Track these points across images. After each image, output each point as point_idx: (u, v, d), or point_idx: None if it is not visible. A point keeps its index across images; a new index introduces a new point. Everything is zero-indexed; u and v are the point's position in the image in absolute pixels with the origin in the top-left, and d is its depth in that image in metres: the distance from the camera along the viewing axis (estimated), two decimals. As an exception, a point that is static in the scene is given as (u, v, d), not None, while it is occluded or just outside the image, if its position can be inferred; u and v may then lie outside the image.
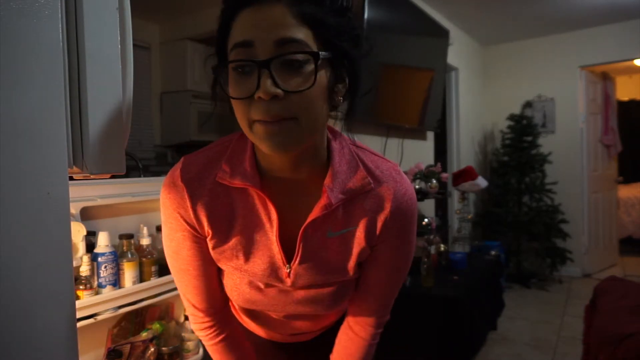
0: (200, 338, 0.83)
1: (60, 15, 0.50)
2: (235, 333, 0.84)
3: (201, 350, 1.45)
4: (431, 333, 2.36)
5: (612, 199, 4.79)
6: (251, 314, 0.86)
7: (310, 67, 0.56)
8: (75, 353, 0.50)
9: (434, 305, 2.39)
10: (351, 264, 0.72)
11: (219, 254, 0.72)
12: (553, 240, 4.09)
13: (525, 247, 4.20)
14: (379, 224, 0.70)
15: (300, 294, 0.74)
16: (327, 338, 0.90)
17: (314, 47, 0.57)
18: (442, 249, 2.97)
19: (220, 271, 0.78)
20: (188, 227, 0.70)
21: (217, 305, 0.79)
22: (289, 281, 0.72)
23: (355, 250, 0.71)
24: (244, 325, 0.92)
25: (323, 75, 0.59)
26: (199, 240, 0.72)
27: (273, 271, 0.71)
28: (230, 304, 0.88)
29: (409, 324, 2.43)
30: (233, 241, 0.70)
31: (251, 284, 0.74)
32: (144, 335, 1.34)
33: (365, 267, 0.76)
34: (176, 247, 0.73)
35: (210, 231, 0.70)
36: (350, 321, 0.83)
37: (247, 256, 0.71)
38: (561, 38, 4.32)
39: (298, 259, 0.70)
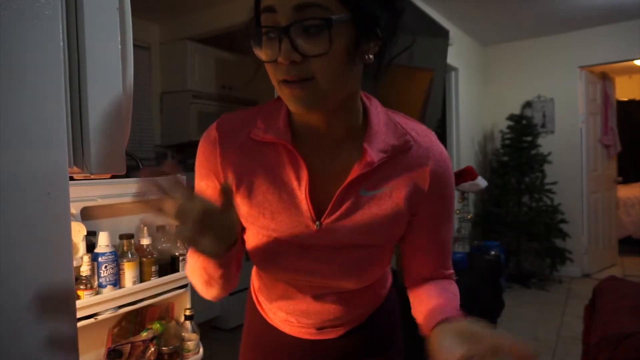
0: (200, 291, 0.76)
1: (60, 15, 0.50)
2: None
3: (201, 350, 1.45)
4: (431, 333, 2.36)
5: (612, 199, 4.79)
6: (277, 292, 0.82)
7: (329, 28, 0.57)
8: (75, 353, 0.50)
9: (434, 305, 2.39)
10: (384, 226, 0.71)
11: (246, 213, 0.72)
12: (553, 240, 4.09)
13: (525, 247, 4.20)
14: (420, 185, 0.70)
15: (326, 252, 0.72)
16: (355, 339, 0.85)
17: (335, 9, 0.58)
18: (442, 249, 2.97)
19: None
20: (213, 177, 0.72)
21: None
22: (316, 239, 0.71)
23: (391, 212, 0.70)
24: (268, 320, 0.88)
25: (342, 38, 0.59)
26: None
27: (300, 228, 0.71)
28: (254, 296, 0.88)
29: (409, 323, 2.42)
30: (259, 198, 0.71)
31: (276, 240, 0.72)
32: (144, 335, 1.34)
33: (415, 231, 0.74)
34: None
35: (234, 185, 0.71)
36: (421, 282, 0.80)
37: (273, 215, 0.71)
38: (561, 38, 4.32)
39: (329, 216, 0.70)
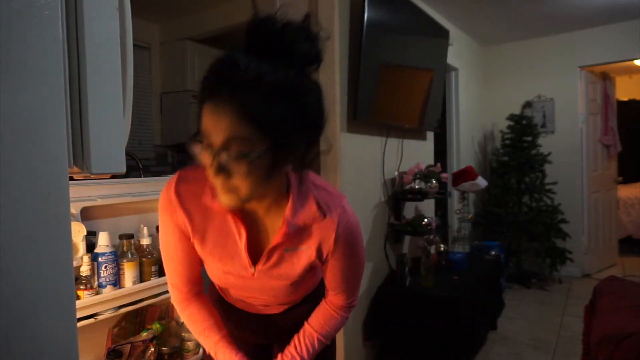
0: (177, 309, 1.06)
1: (60, 15, 0.50)
2: (203, 303, 1.05)
3: (201, 350, 1.45)
4: (431, 333, 2.36)
5: (612, 199, 4.79)
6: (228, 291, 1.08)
7: (249, 159, 0.72)
8: (75, 353, 0.50)
9: (434, 305, 2.39)
10: (300, 272, 0.94)
11: (200, 254, 0.95)
12: (553, 240, 4.09)
13: (525, 247, 4.20)
14: (327, 246, 0.92)
15: (262, 285, 0.97)
16: (296, 311, 1.10)
17: (257, 140, 0.71)
18: (442, 249, 2.97)
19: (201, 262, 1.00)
20: (177, 227, 0.92)
21: (191, 286, 1.02)
22: (252, 279, 0.95)
23: (306, 263, 0.93)
24: (225, 298, 1.12)
25: (261, 163, 0.73)
26: (184, 238, 0.93)
27: (241, 270, 0.94)
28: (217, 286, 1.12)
29: (409, 324, 2.43)
30: (209, 247, 0.92)
31: (226, 272, 0.96)
32: (144, 335, 1.35)
33: (326, 270, 0.99)
34: (167, 241, 0.96)
35: (191, 235, 0.91)
36: (326, 298, 1.08)
37: (221, 259, 0.93)
38: (561, 38, 4.32)
39: (261, 265, 0.93)
